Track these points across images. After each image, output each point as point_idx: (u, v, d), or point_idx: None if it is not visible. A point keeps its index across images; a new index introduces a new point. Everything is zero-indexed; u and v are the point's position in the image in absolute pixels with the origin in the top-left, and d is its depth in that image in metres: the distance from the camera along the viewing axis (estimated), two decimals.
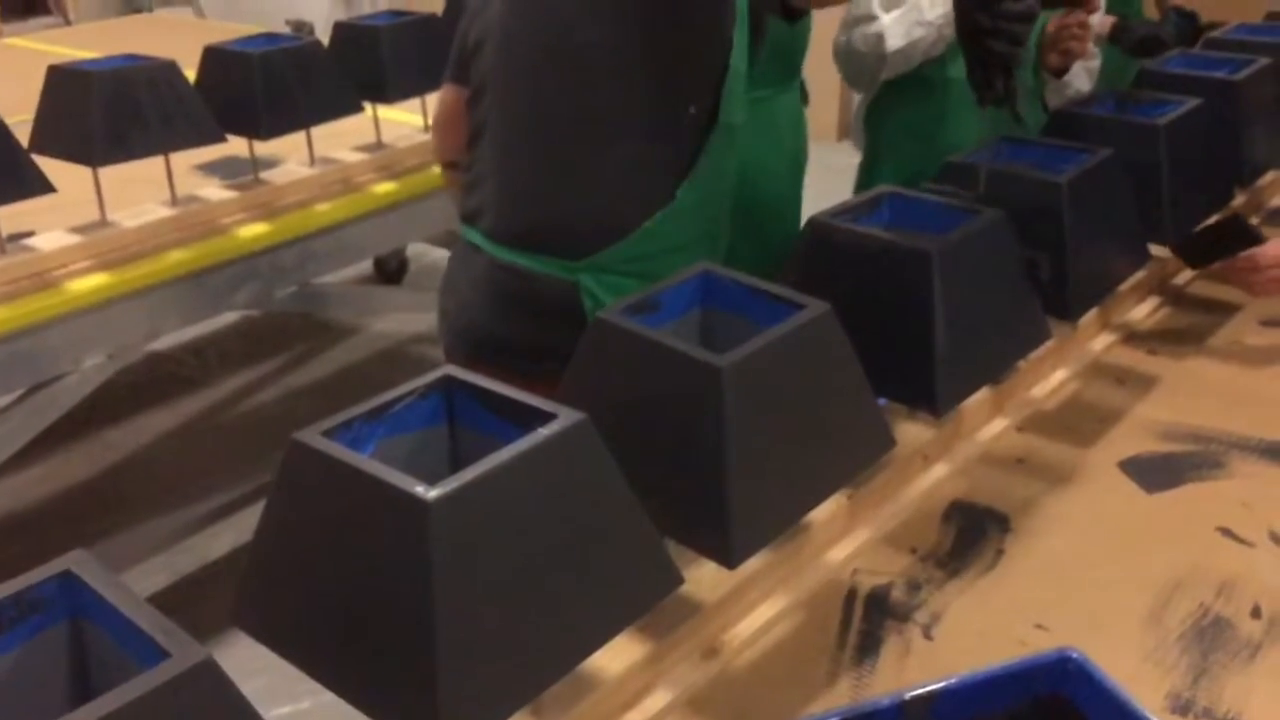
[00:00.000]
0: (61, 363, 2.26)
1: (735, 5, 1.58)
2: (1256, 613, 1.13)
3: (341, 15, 5.35)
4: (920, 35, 2.16)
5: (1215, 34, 2.27)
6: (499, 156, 1.67)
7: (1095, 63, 2.26)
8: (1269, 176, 2.08)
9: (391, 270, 4.30)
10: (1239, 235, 1.68)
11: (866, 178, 2.41)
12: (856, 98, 2.49)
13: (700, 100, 1.59)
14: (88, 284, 2.23)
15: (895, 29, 2.18)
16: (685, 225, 1.63)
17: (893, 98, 2.30)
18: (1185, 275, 1.85)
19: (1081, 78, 2.24)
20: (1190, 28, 2.48)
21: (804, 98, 2.30)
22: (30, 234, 2.28)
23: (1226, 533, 1.25)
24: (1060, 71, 2.15)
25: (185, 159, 2.50)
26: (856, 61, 2.27)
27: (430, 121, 1.94)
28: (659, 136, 1.59)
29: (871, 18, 2.21)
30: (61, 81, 2.26)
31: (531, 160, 1.63)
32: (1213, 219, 1.76)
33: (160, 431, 3.52)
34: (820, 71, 2.34)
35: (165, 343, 3.56)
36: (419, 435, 0.98)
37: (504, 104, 1.65)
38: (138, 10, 7.06)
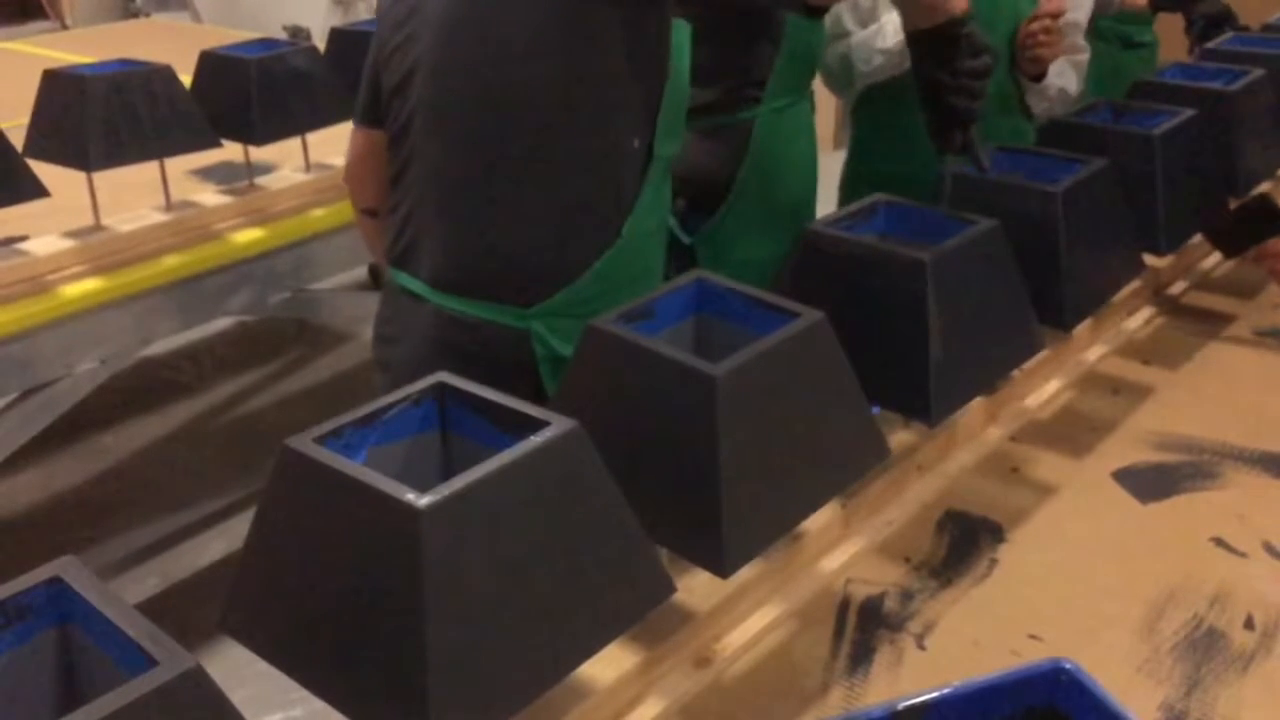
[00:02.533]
0: (54, 367, 2.25)
1: (672, 35, 1.55)
2: (1249, 624, 1.13)
3: (338, 21, 5.36)
4: (880, 63, 2.19)
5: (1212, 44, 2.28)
6: (440, 199, 1.59)
7: (1083, 56, 2.25)
8: (1263, 187, 2.08)
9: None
10: (1269, 219, 1.67)
11: (854, 169, 2.41)
12: None
13: (642, 134, 1.55)
14: (81, 289, 2.23)
15: (860, 52, 2.21)
16: (630, 261, 1.59)
17: (879, 93, 2.30)
18: (1179, 285, 1.86)
19: (1068, 75, 2.23)
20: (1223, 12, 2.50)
21: (811, 106, 2.30)
22: (24, 238, 2.28)
23: (1220, 543, 1.25)
24: (1036, 76, 2.15)
25: (180, 164, 2.50)
26: (831, 76, 2.31)
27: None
28: (606, 172, 1.55)
29: (843, 34, 2.23)
30: (57, 86, 2.26)
31: (479, 203, 1.56)
32: (1242, 201, 1.75)
33: (153, 437, 3.51)
34: (815, 80, 2.35)
35: (159, 348, 3.55)
36: (411, 442, 0.98)
37: (441, 143, 1.57)
38: (134, 15, 7.06)
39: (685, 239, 2.18)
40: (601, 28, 1.48)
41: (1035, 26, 2.09)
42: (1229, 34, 2.36)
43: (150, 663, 0.69)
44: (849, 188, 2.40)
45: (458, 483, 0.83)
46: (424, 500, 0.81)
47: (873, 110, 2.34)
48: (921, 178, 1.89)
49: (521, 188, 1.54)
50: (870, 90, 2.31)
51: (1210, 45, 2.27)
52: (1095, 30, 2.72)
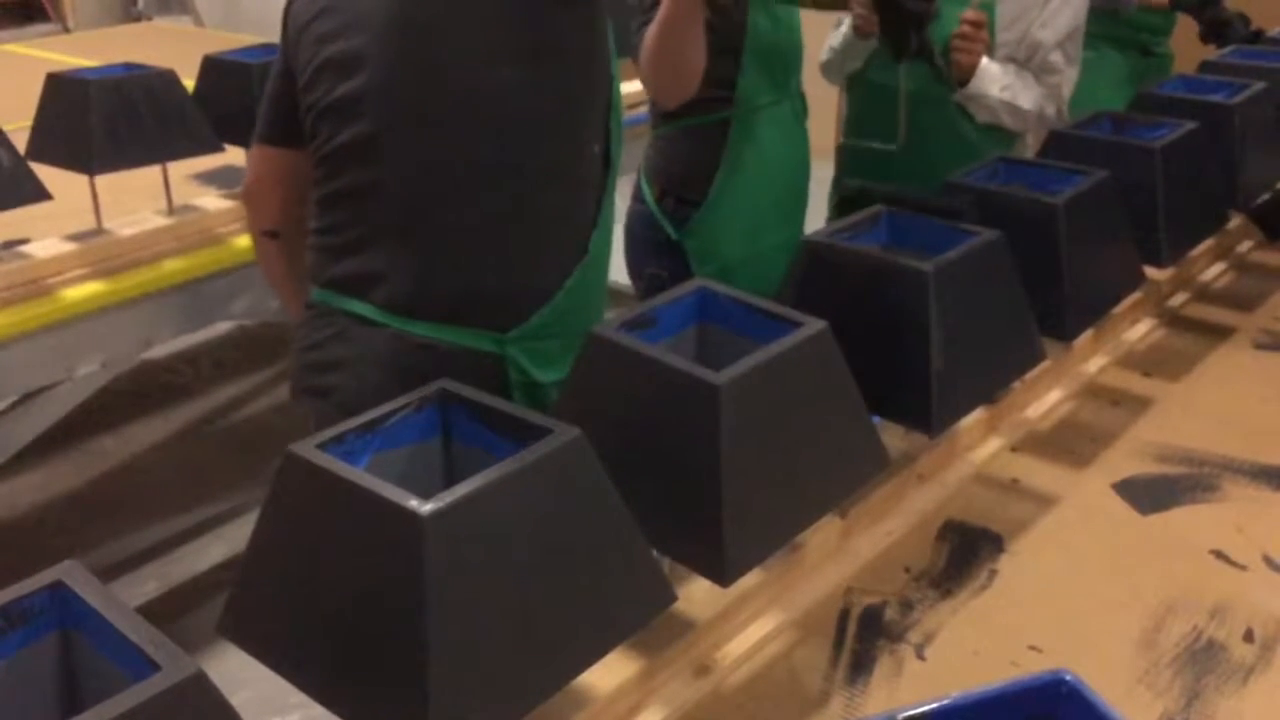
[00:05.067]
0: (55, 370, 2.25)
1: (610, 39, 1.55)
2: (1249, 636, 1.13)
3: None
4: (827, 59, 2.31)
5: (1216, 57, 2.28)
6: (408, 221, 1.52)
7: (1053, 78, 2.25)
8: (1264, 199, 2.08)
9: None
10: None
11: (849, 132, 2.45)
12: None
13: (600, 139, 1.54)
14: (83, 292, 2.23)
15: (825, 45, 2.32)
16: (594, 275, 1.58)
17: (859, 86, 2.36)
18: (1180, 297, 1.86)
19: (1028, 92, 2.22)
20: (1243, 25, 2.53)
21: (804, 111, 2.34)
22: (26, 241, 2.28)
23: (1219, 555, 1.25)
24: (960, 81, 2.17)
25: (182, 168, 2.51)
26: None
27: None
28: (575, 183, 1.54)
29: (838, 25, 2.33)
30: (60, 89, 2.26)
31: (454, 224, 1.51)
32: None
33: (153, 441, 3.51)
34: (815, 87, 2.41)
35: (159, 351, 3.56)
36: (414, 449, 0.98)
37: (409, 163, 1.50)
38: (136, 19, 7.07)
39: (674, 235, 2.22)
40: (554, 28, 1.47)
41: (954, 32, 2.12)
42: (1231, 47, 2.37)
43: (153, 668, 0.69)
44: (841, 166, 2.43)
45: (460, 490, 0.83)
46: (427, 507, 0.81)
47: (858, 80, 2.38)
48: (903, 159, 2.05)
49: (497, 204, 1.50)
50: (851, 81, 2.37)
51: (1212, 58, 2.27)
52: (1115, 38, 2.75)
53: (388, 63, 1.49)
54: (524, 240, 1.52)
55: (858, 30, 2.15)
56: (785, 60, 2.21)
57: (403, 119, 1.50)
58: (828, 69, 2.35)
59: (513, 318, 1.52)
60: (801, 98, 2.32)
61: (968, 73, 2.15)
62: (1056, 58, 2.22)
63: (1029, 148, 2.38)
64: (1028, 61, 2.21)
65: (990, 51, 2.18)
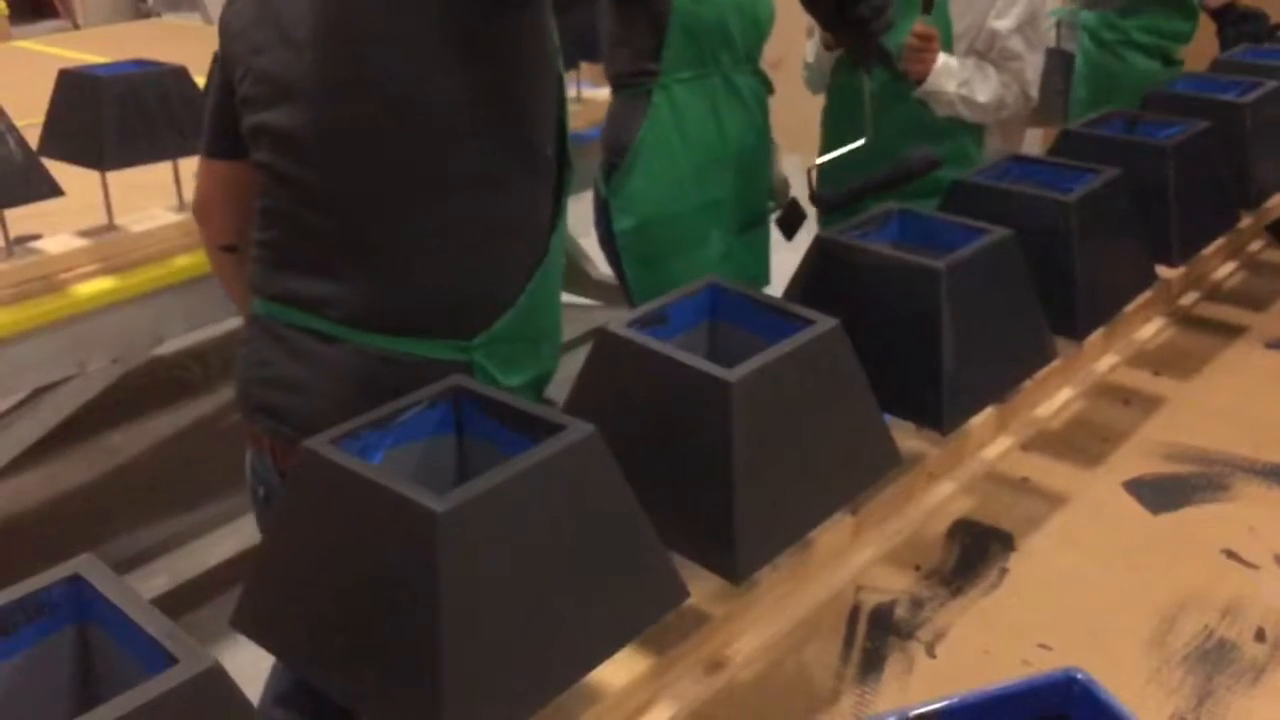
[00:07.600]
0: (66, 366, 2.26)
1: (555, 37, 1.52)
2: (1260, 636, 1.13)
3: None
4: (806, 76, 2.49)
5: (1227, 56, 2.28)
6: (359, 233, 1.47)
7: (1016, 64, 2.30)
8: (1276, 199, 2.08)
9: None
10: None
11: (829, 122, 2.53)
12: None
13: (552, 141, 1.52)
14: (94, 288, 2.24)
15: (802, 65, 2.48)
16: (553, 275, 1.57)
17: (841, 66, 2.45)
18: (1191, 296, 1.86)
19: (987, 84, 2.27)
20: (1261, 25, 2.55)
21: (769, 88, 2.45)
22: (37, 237, 2.29)
23: (1231, 555, 1.25)
24: (915, 82, 2.27)
25: (193, 165, 2.49)
26: None
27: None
28: (529, 186, 1.51)
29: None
30: (72, 86, 2.27)
31: (408, 233, 1.46)
32: None
33: (163, 436, 3.52)
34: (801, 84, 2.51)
35: (170, 347, 3.56)
36: (427, 444, 0.98)
37: (352, 174, 1.45)
38: (145, 16, 7.09)
39: (603, 192, 2.38)
40: (492, 34, 1.44)
41: (905, 44, 2.24)
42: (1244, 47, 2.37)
43: (170, 661, 0.69)
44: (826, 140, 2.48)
45: (474, 487, 0.83)
46: (441, 504, 0.81)
47: (831, 97, 2.48)
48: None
49: (449, 215, 1.47)
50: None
51: (1224, 56, 2.27)
52: (1139, 46, 2.78)
53: (322, 88, 1.44)
54: (483, 247, 1.49)
55: (825, 45, 2.34)
56: (714, 37, 2.30)
57: (344, 146, 1.46)
58: (809, 83, 2.49)
59: (477, 324, 1.50)
60: (756, 75, 2.40)
61: (921, 79, 2.26)
62: (1016, 43, 2.29)
63: (994, 135, 2.46)
64: (988, 51, 2.29)
65: (948, 48, 2.27)
